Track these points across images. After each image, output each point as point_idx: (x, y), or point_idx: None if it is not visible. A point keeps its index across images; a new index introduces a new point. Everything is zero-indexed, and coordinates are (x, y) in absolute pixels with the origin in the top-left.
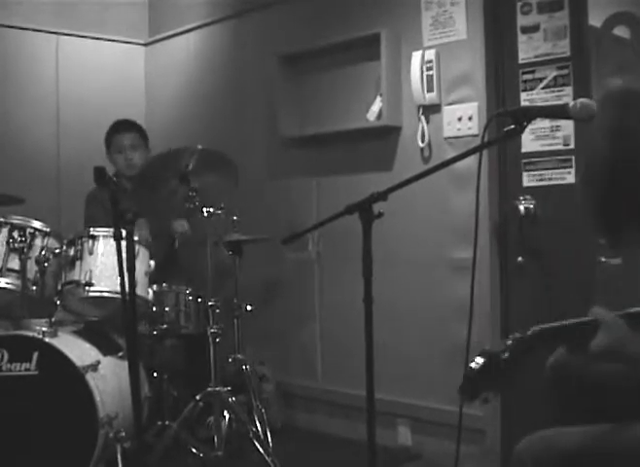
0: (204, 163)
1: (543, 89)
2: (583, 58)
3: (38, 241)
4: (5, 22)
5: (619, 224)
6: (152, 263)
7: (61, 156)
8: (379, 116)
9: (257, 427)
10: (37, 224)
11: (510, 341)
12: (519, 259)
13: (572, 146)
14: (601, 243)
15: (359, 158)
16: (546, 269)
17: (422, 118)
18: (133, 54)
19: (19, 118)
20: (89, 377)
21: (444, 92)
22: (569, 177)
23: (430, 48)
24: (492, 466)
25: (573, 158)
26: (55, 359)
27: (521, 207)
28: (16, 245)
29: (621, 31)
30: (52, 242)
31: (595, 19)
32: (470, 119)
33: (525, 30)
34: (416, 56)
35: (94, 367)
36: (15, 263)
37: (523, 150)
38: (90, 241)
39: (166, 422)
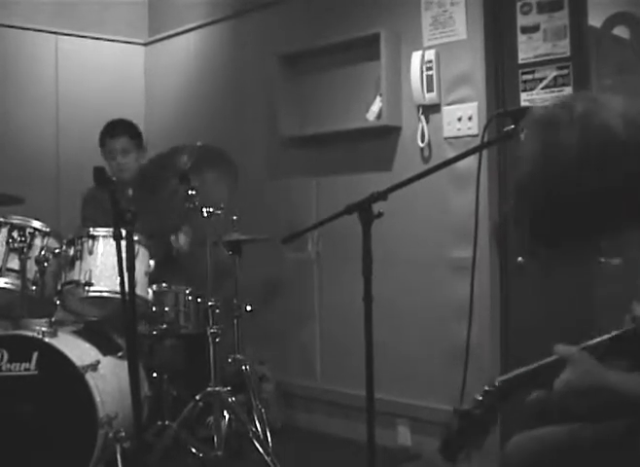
0: (204, 161)
1: (543, 89)
2: (582, 58)
3: (38, 241)
4: (5, 22)
5: (557, 239)
6: (152, 263)
7: (61, 156)
8: (379, 116)
9: (256, 427)
10: (37, 224)
11: (480, 397)
12: (519, 259)
13: None
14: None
15: (359, 158)
16: (546, 270)
17: (422, 118)
18: (133, 54)
19: (19, 118)
20: (89, 376)
21: (444, 92)
22: None
23: (430, 48)
24: (492, 466)
25: None
26: (55, 359)
27: None
28: (15, 245)
29: (620, 31)
30: (51, 242)
31: (595, 19)
32: (470, 119)
33: (525, 30)
34: (416, 56)
35: (94, 367)
36: (14, 263)
37: None
38: (90, 241)
39: (166, 422)
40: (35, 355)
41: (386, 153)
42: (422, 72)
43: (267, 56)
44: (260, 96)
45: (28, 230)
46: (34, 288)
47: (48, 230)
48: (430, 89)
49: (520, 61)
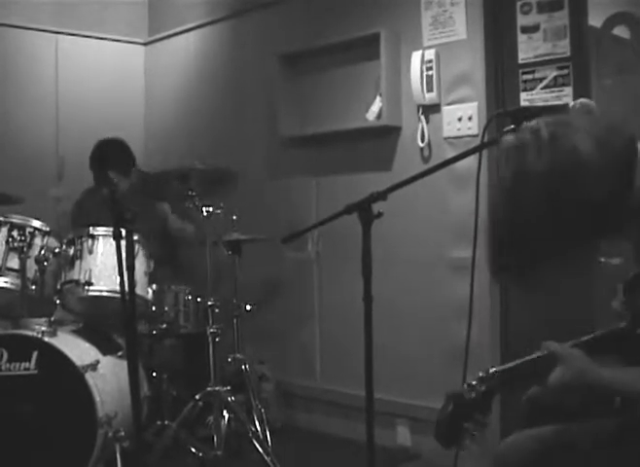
0: (207, 183)
1: (543, 89)
2: (582, 58)
3: (38, 240)
4: (5, 22)
5: (532, 262)
6: (152, 263)
7: (61, 155)
8: (379, 116)
9: (256, 427)
10: (37, 223)
11: (474, 382)
12: None
13: None
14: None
15: (359, 157)
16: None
17: (422, 118)
18: (133, 54)
19: (19, 118)
20: (89, 376)
21: (444, 92)
22: None
23: (430, 48)
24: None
25: None
26: (55, 358)
27: None
28: (15, 244)
29: (620, 31)
30: (51, 241)
31: (595, 19)
32: (470, 119)
33: (525, 30)
34: (416, 56)
35: (94, 366)
36: (14, 262)
37: None
38: (90, 241)
39: (166, 422)
40: (35, 355)
41: (386, 153)
42: (422, 72)
43: (267, 56)
44: (260, 96)
45: (28, 229)
46: (34, 287)
47: (48, 229)
48: (430, 89)
49: (520, 61)
